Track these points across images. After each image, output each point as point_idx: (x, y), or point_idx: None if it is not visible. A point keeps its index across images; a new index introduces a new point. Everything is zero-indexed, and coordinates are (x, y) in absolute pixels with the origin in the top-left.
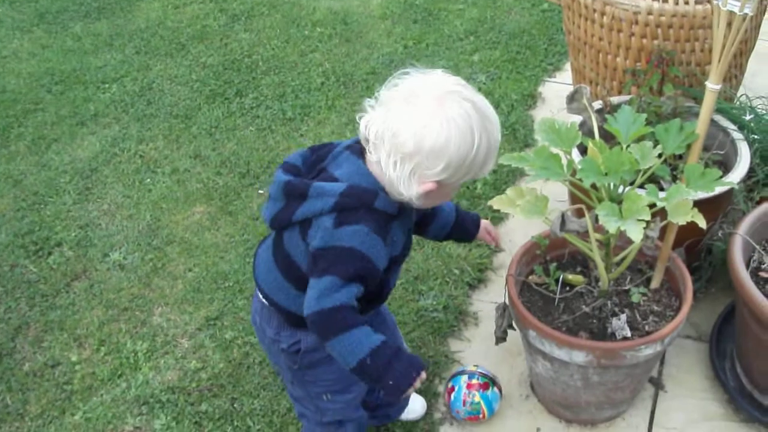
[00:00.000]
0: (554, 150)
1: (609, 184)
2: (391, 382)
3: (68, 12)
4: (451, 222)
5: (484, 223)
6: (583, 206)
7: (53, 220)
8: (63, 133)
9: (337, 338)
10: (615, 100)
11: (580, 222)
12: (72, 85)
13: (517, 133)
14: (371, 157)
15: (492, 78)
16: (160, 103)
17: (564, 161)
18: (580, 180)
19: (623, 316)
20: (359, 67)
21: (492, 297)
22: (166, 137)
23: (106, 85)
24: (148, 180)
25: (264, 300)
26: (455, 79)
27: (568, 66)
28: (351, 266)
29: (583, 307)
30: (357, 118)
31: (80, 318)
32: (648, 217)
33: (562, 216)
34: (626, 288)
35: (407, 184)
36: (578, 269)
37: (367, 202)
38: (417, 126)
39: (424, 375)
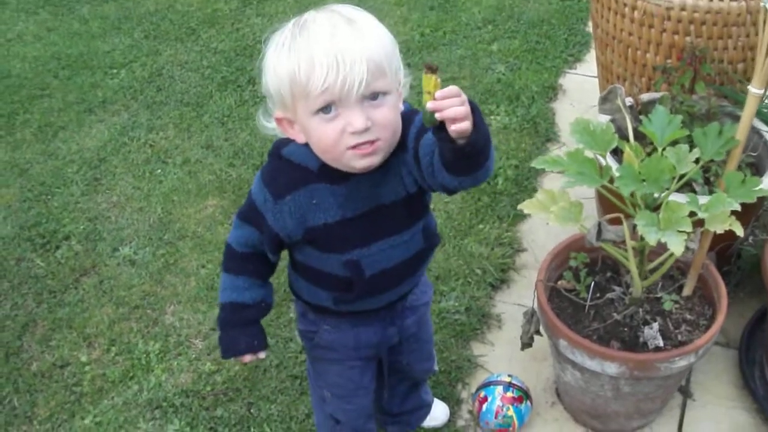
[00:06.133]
0: (588, 153)
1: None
2: (221, 345)
3: None
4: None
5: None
6: (620, 215)
7: (61, 212)
8: (70, 120)
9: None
10: (645, 97)
11: (617, 231)
12: (79, 70)
13: (538, 126)
14: None
15: (512, 69)
16: (170, 90)
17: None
18: (617, 187)
19: (655, 325)
20: None
21: (515, 298)
22: (177, 126)
23: (115, 71)
24: (159, 171)
25: None
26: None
27: (588, 57)
28: (243, 206)
29: (614, 314)
30: None
31: (89, 316)
32: (689, 229)
33: (599, 225)
34: (658, 296)
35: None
36: (608, 274)
37: (275, 150)
38: None
39: (247, 358)
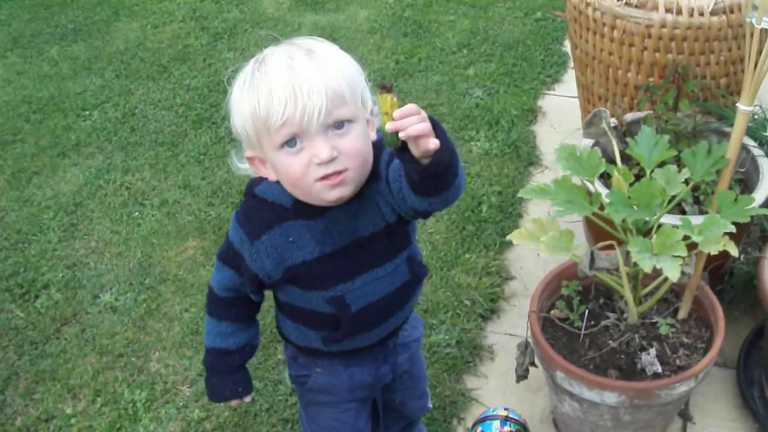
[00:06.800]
0: (575, 179)
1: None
2: (207, 388)
3: (43, 35)
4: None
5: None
6: (613, 242)
7: (39, 260)
8: (44, 165)
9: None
10: (629, 117)
11: (610, 259)
12: (51, 113)
13: (520, 150)
14: None
15: (489, 92)
16: (145, 130)
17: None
18: (607, 213)
19: (652, 351)
20: None
21: (506, 328)
22: (153, 166)
23: (87, 112)
24: (137, 213)
25: None
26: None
27: (566, 77)
28: (222, 247)
29: (610, 342)
30: None
31: (73, 366)
32: (684, 253)
33: (592, 254)
34: (654, 320)
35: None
36: (602, 300)
37: (249, 189)
38: None
39: (234, 403)
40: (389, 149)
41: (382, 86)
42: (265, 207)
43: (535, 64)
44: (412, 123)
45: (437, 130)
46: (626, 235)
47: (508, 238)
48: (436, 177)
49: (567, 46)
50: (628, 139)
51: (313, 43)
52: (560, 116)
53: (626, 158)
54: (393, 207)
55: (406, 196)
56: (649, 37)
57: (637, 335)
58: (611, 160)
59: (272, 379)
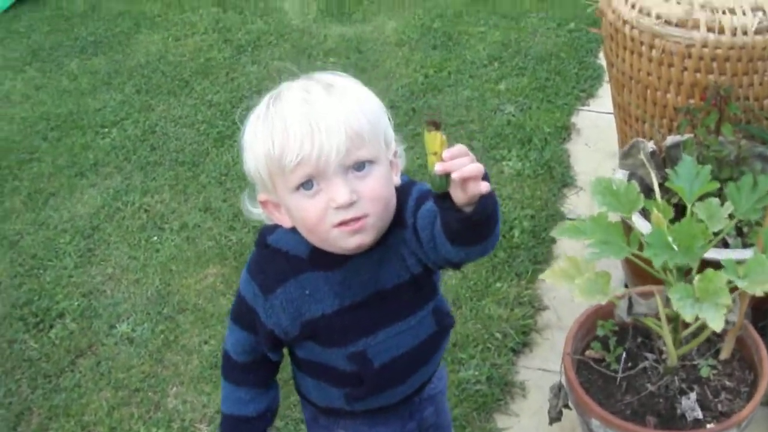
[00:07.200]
0: (612, 215)
1: None
2: None
3: (63, 47)
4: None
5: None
6: (653, 288)
7: (54, 288)
8: (61, 185)
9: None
10: (669, 141)
11: (649, 304)
12: (69, 130)
13: (553, 171)
14: None
15: (521, 109)
16: (165, 149)
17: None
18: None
19: (693, 395)
20: None
21: (538, 363)
22: (173, 188)
23: (106, 130)
24: (155, 238)
25: None
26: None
27: (601, 92)
28: (233, 305)
29: (648, 385)
30: None
31: (87, 402)
32: (728, 301)
33: (630, 299)
34: (694, 362)
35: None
36: (639, 340)
37: (261, 238)
38: None
39: None
40: (415, 195)
41: (429, 122)
42: (279, 257)
43: (569, 78)
44: (464, 164)
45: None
46: (666, 275)
47: (541, 277)
48: (478, 226)
49: (602, 59)
50: (668, 171)
51: (333, 78)
52: (595, 133)
53: (665, 187)
54: (419, 257)
55: (439, 246)
56: (689, 57)
57: (676, 377)
58: (648, 189)
59: (294, 418)
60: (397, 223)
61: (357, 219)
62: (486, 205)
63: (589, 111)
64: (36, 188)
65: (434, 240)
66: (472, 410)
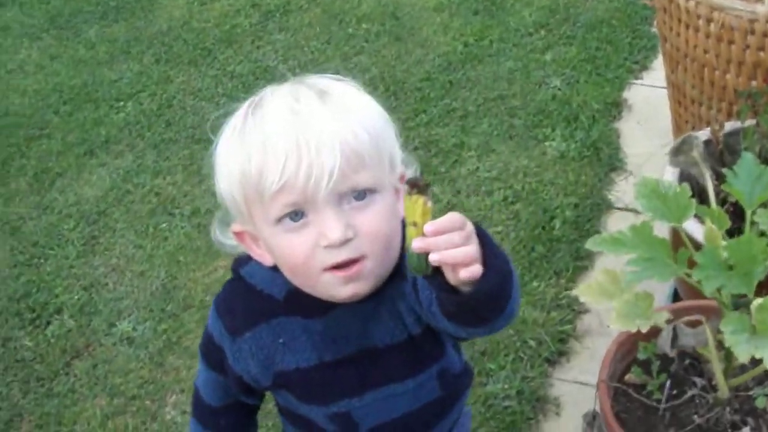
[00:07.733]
0: (658, 224)
1: None
2: None
3: (83, 14)
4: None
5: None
6: (701, 318)
7: (53, 279)
8: (69, 165)
9: None
10: (727, 128)
11: (697, 335)
12: (82, 104)
13: (600, 153)
14: None
15: (568, 82)
16: (181, 124)
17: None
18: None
19: (746, 429)
20: (412, 73)
21: (575, 374)
22: (186, 168)
23: (121, 103)
24: (164, 225)
25: None
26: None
27: (656, 64)
28: (202, 338)
29: (695, 417)
30: None
31: (80, 410)
32: None
33: (674, 329)
34: (749, 392)
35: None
36: (687, 361)
37: (235, 268)
38: None
39: None
40: None
41: (411, 184)
42: (252, 296)
43: (621, 48)
44: (449, 244)
45: (486, 247)
46: (719, 294)
47: (574, 293)
48: (479, 308)
49: (657, 27)
50: (725, 171)
51: (329, 83)
52: (648, 110)
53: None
54: (420, 316)
55: (438, 321)
56: (752, 34)
57: (728, 409)
58: (702, 191)
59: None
60: (397, 272)
61: (353, 262)
62: (488, 286)
63: (642, 85)
64: (43, 168)
65: (432, 306)
66: (500, 430)
